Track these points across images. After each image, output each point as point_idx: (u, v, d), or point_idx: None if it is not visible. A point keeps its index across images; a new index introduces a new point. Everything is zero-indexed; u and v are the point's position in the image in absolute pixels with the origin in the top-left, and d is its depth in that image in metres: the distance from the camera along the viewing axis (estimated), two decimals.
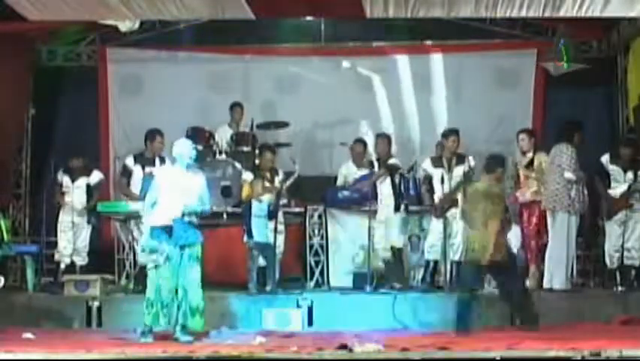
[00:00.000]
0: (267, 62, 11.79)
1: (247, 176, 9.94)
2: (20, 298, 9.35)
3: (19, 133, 11.22)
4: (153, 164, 9.93)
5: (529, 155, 9.69)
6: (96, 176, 10.38)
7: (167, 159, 9.74)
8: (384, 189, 9.91)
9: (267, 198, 9.56)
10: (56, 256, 10.26)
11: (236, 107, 11.01)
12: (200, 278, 7.82)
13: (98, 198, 10.27)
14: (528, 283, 9.27)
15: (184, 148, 7.87)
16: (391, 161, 10.00)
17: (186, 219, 7.70)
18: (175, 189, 7.73)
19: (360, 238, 9.92)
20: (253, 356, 6.41)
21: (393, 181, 9.87)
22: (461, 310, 7.95)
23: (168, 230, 7.65)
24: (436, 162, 9.84)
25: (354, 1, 7.85)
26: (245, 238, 9.46)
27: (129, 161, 10.13)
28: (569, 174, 9.20)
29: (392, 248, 9.84)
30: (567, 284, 9.18)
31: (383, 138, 10.24)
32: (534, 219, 9.59)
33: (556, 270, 9.22)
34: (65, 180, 10.24)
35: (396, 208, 9.79)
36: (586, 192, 9.41)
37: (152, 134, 10.06)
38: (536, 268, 9.50)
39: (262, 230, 9.44)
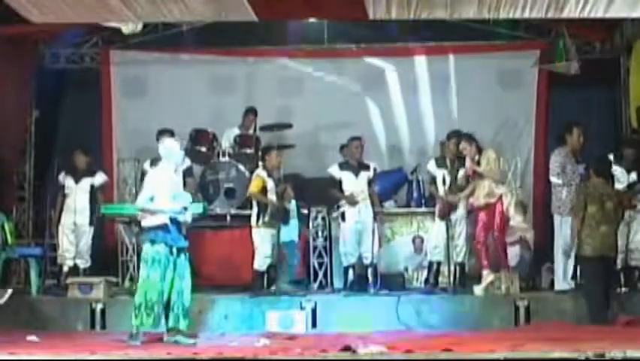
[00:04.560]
0: (270, 64, 11.78)
1: (260, 171, 9.69)
2: (24, 301, 9.33)
3: (22, 135, 11.21)
4: None
5: (475, 159, 9.26)
6: (100, 177, 10.30)
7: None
8: (358, 187, 9.78)
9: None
10: (59, 259, 10.25)
11: (250, 112, 10.94)
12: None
13: (102, 199, 10.24)
14: (503, 288, 9.11)
15: (174, 148, 7.81)
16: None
17: (181, 219, 7.66)
18: (166, 190, 7.67)
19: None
20: (257, 358, 6.42)
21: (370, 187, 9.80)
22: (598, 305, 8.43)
23: (161, 231, 7.61)
24: (440, 162, 9.81)
25: (356, 3, 7.84)
26: (293, 236, 9.60)
27: (147, 165, 9.89)
28: (552, 178, 9.38)
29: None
30: (564, 285, 9.19)
31: (355, 141, 10.04)
32: (496, 225, 9.21)
33: (556, 271, 9.33)
34: (68, 181, 10.18)
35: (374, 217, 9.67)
36: None
37: (162, 134, 9.78)
38: (500, 272, 9.16)
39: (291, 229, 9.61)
